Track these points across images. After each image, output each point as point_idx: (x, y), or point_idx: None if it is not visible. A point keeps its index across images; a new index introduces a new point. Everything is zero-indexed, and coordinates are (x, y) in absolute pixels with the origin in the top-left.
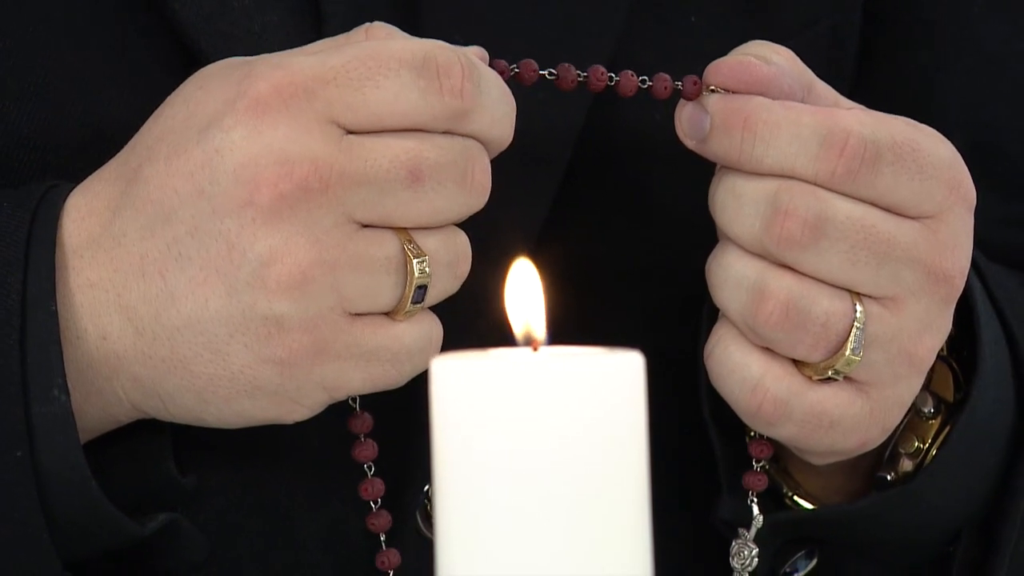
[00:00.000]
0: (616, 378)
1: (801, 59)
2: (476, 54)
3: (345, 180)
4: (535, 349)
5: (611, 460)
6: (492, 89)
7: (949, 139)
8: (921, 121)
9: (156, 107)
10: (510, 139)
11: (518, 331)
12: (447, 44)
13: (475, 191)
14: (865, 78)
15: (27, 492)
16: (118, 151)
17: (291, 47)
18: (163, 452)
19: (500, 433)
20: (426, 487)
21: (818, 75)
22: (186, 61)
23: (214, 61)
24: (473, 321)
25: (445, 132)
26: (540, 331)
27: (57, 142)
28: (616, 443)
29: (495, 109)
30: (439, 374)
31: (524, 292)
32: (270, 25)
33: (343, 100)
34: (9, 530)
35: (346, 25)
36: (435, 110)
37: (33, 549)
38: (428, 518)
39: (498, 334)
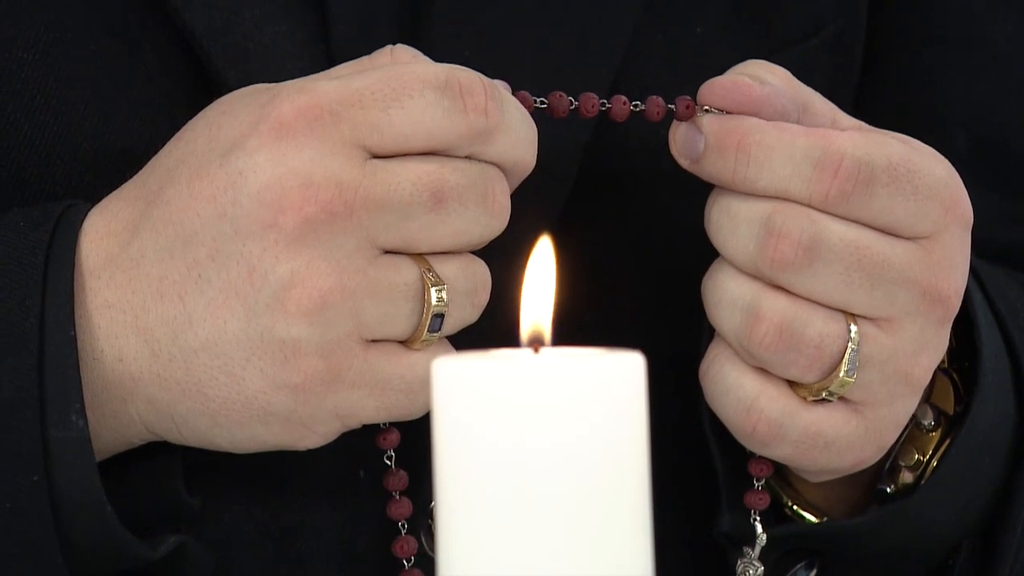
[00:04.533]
0: (617, 379)
1: (807, 66)
2: (499, 86)
3: (369, 204)
4: (536, 350)
5: (611, 460)
6: (514, 111)
7: (954, 138)
8: (926, 120)
9: (167, 120)
10: (534, 162)
11: (526, 328)
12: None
13: (496, 212)
14: (870, 79)
15: (42, 516)
16: (130, 164)
17: (300, 57)
18: (173, 473)
19: (501, 434)
20: (431, 504)
21: (824, 81)
22: (197, 73)
23: (225, 72)
24: (482, 326)
25: (467, 157)
26: (545, 332)
27: (69, 155)
28: (617, 444)
29: (517, 131)
30: (440, 375)
31: (539, 284)
32: (279, 35)
33: (369, 121)
34: (24, 554)
35: (352, 35)
36: (460, 129)
37: (47, 573)
38: (432, 536)
39: (506, 341)
